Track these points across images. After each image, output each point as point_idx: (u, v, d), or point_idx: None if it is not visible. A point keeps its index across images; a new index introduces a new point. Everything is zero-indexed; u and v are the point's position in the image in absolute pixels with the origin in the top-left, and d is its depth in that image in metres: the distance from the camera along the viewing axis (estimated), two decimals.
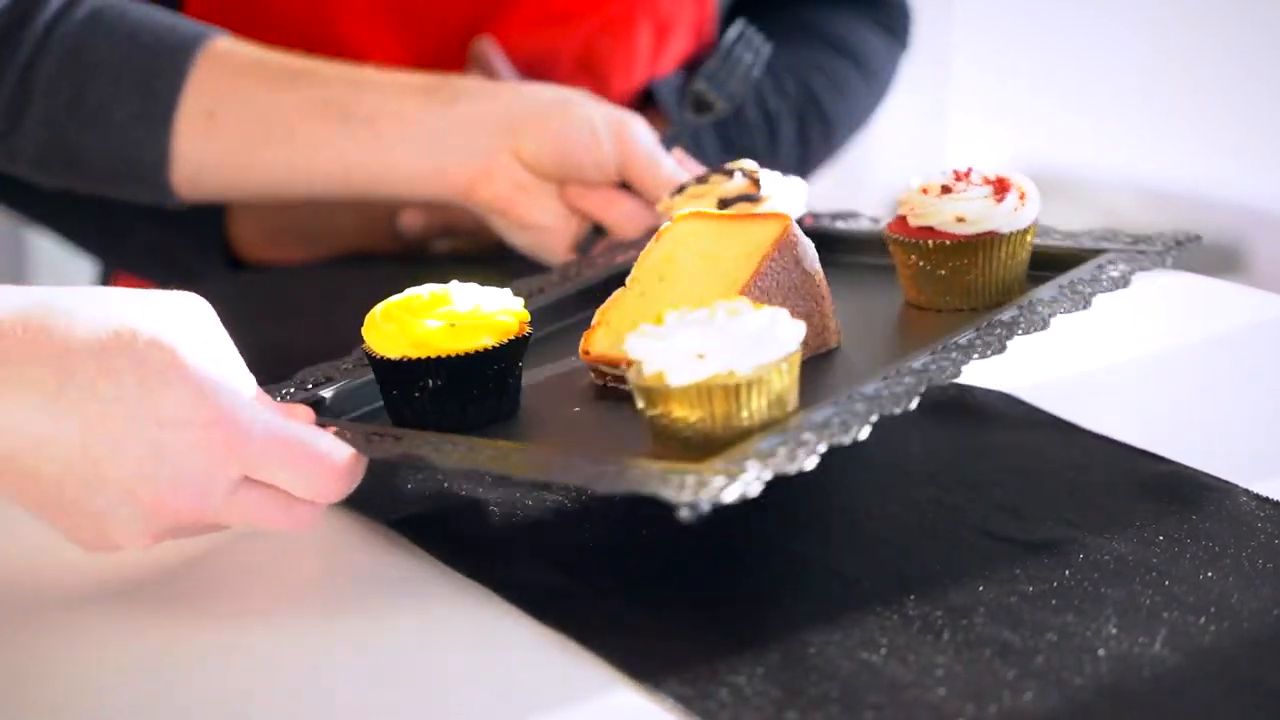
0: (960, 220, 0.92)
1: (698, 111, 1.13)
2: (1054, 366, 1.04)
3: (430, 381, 0.83)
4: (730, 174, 1.01)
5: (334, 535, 0.85)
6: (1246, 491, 0.87)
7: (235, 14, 1.30)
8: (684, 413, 0.76)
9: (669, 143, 1.12)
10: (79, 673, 0.75)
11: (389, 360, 0.84)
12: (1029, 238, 0.95)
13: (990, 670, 0.72)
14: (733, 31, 1.14)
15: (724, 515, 0.80)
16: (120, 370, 0.74)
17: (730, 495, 0.71)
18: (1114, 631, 0.75)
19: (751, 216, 0.92)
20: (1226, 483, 0.88)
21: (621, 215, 1.09)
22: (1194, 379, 1.06)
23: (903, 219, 0.95)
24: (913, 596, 0.78)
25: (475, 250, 1.30)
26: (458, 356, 0.83)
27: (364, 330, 0.85)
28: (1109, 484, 0.88)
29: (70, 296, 0.75)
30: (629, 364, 0.79)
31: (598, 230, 1.11)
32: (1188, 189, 3.15)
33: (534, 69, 1.34)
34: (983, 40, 3.46)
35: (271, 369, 0.87)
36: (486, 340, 0.84)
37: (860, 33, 1.46)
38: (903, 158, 3.50)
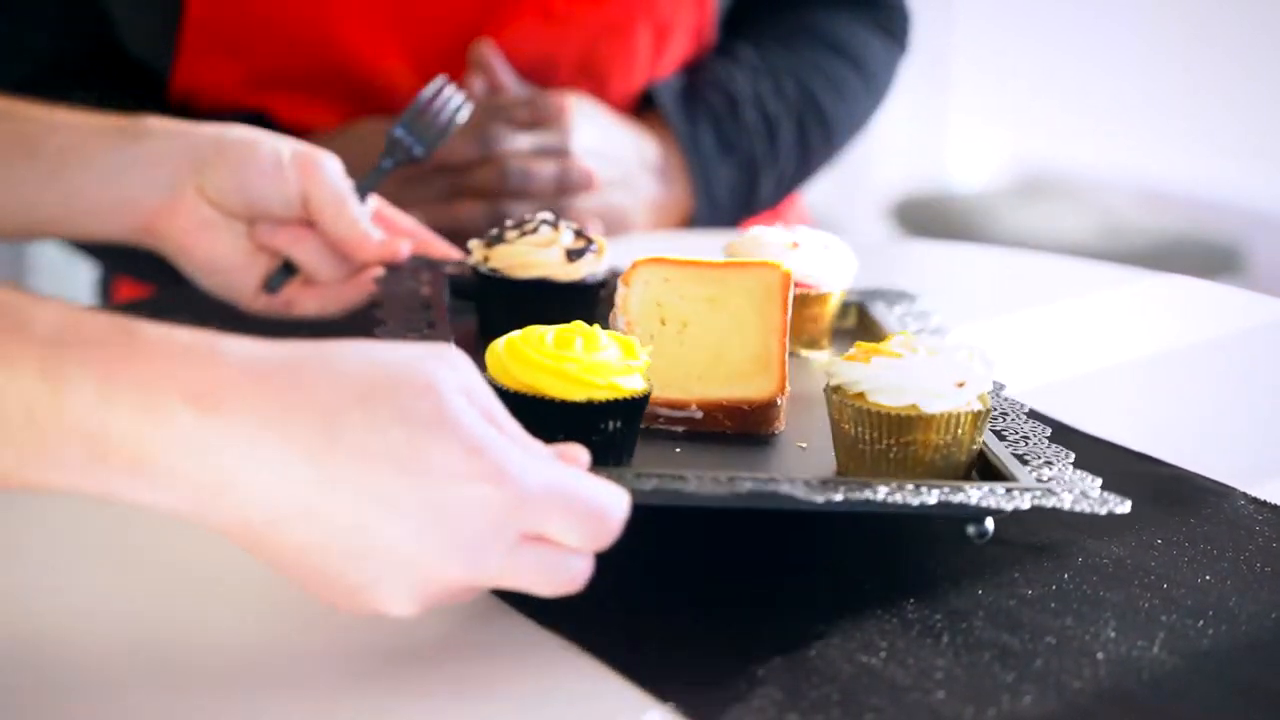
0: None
1: (393, 156, 1.12)
2: (1052, 369, 1.05)
3: (611, 424, 0.82)
4: (556, 224, 1.03)
5: None
6: (1244, 495, 0.88)
7: (237, 22, 1.30)
8: (935, 438, 0.82)
9: (363, 187, 1.10)
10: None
11: (568, 403, 0.81)
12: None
13: (989, 673, 0.73)
14: (430, 87, 1.12)
15: (722, 520, 0.81)
16: (386, 423, 0.68)
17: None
18: (1112, 635, 0.75)
19: (741, 264, 0.94)
20: (1225, 486, 0.89)
21: (310, 253, 1.07)
22: (1192, 382, 1.06)
23: None
24: (912, 600, 0.78)
25: None
26: (637, 398, 0.83)
27: (515, 372, 0.82)
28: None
29: (335, 348, 0.70)
30: (753, 404, 0.86)
31: (289, 268, 1.09)
32: (1186, 190, 3.16)
33: (534, 72, 1.34)
34: (982, 43, 3.46)
35: None
36: (646, 382, 0.84)
37: (860, 35, 1.46)
38: (902, 161, 3.50)
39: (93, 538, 0.84)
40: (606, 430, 0.82)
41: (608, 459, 0.82)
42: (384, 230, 1.12)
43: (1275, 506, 0.86)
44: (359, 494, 0.67)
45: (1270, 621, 0.76)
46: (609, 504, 0.71)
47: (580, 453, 0.75)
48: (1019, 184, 3.29)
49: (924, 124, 3.53)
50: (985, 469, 0.85)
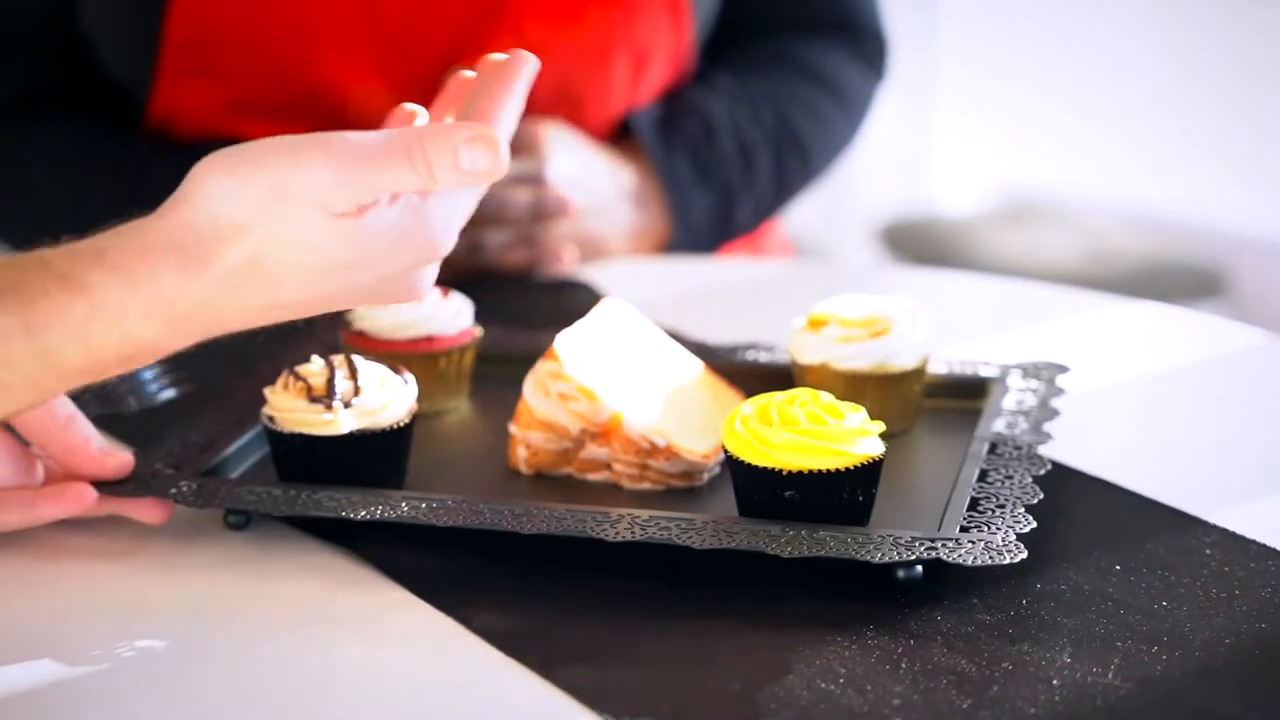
0: None
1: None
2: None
3: (855, 492, 0.84)
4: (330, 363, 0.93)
5: (298, 562, 0.86)
6: (1202, 521, 0.88)
7: (217, 47, 1.31)
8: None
9: None
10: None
11: (821, 473, 0.83)
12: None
13: (946, 699, 0.73)
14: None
15: (681, 546, 0.82)
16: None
17: None
18: (1068, 660, 0.76)
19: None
20: (1183, 513, 0.89)
21: None
22: (1155, 409, 1.07)
23: None
24: (873, 626, 0.79)
25: (454, 279, 1.31)
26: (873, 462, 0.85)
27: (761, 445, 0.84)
28: (1067, 513, 0.89)
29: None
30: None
31: None
32: (1171, 214, 3.17)
33: None
34: (968, 68, 3.48)
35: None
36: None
37: (837, 63, 1.47)
38: (889, 185, 3.51)
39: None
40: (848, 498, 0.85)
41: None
42: None
43: (1232, 533, 0.87)
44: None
45: (1224, 647, 0.77)
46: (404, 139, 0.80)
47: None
48: (1006, 208, 3.30)
49: (911, 148, 3.54)
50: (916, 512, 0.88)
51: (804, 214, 3.23)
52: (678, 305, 1.24)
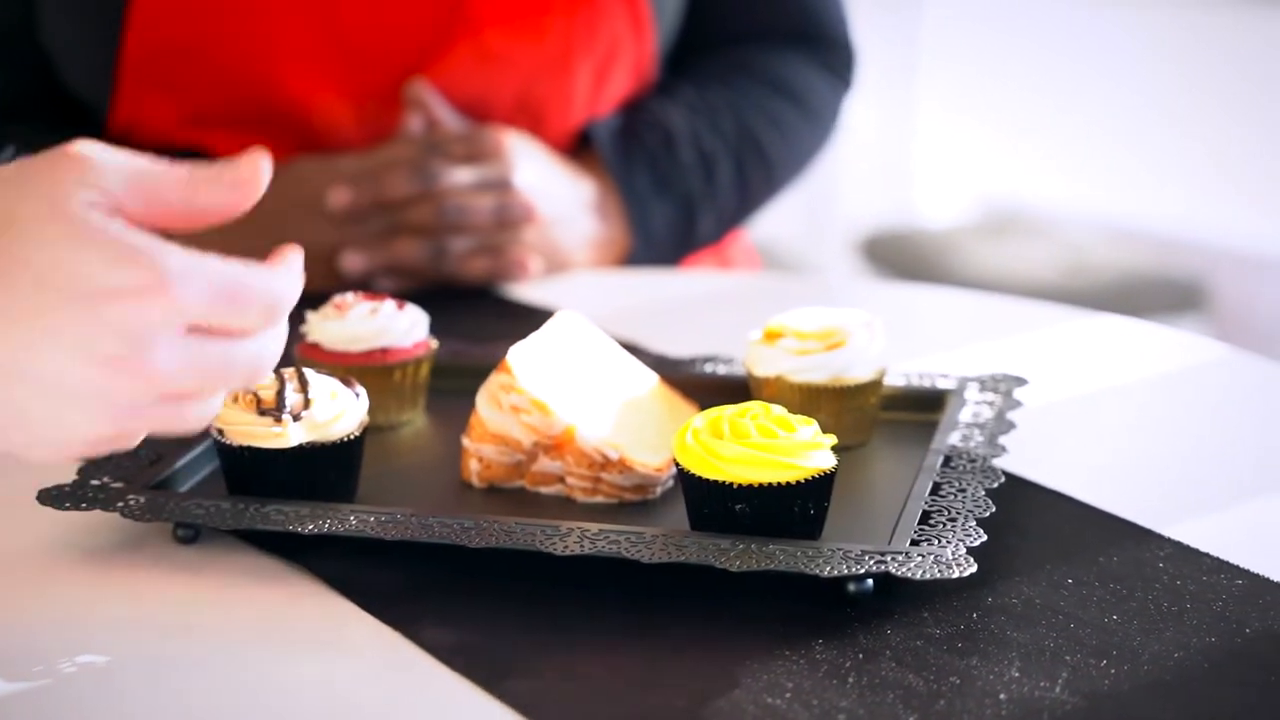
0: None
1: None
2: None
3: (806, 505, 0.84)
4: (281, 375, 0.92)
5: (247, 576, 0.85)
6: (1156, 534, 0.88)
7: (175, 59, 1.31)
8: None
9: None
10: None
11: (771, 486, 0.83)
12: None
13: (892, 714, 0.73)
14: None
15: (628, 562, 0.82)
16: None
17: None
18: (1016, 675, 0.76)
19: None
20: (1137, 526, 0.89)
21: None
22: (1113, 422, 1.07)
23: None
24: (822, 640, 0.78)
25: (418, 289, 1.31)
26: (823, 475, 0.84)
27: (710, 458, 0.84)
28: (1021, 526, 0.89)
29: None
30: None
31: None
32: (1150, 227, 3.17)
33: (472, 110, 1.35)
34: (948, 80, 3.48)
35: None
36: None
37: (801, 72, 1.47)
38: (870, 197, 3.51)
39: None
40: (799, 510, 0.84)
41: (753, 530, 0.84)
42: None
43: (1186, 546, 0.87)
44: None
45: (1173, 661, 0.76)
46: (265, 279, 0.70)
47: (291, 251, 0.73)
48: (986, 220, 3.30)
49: (892, 161, 3.54)
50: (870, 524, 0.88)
51: (785, 226, 3.23)
52: (641, 318, 1.24)
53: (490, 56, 1.34)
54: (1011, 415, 0.98)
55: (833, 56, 1.49)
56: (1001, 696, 0.74)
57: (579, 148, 1.40)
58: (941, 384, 1.02)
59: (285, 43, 1.31)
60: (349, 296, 1.03)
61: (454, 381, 1.05)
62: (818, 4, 1.48)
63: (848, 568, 0.80)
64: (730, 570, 0.80)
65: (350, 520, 0.84)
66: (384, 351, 1.00)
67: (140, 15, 1.29)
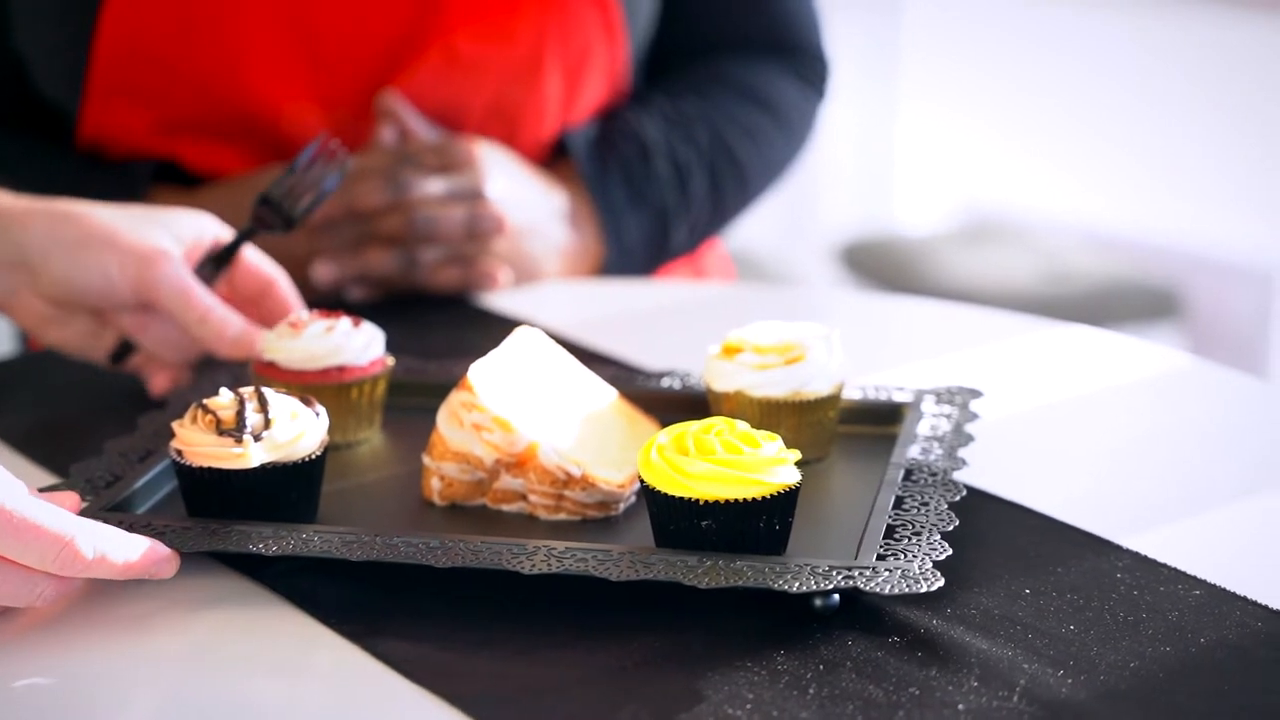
0: None
1: (260, 224, 1.10)
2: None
3: (771, 521, 0.84)
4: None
5: (206, 594, 0.85)
6: (1114, 545, 0.88)
7: (145, 67, 1.31)
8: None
9: (221, 257, 1.09)
10: None
11: (737, 502, 0.83)
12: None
13: None
14: (307, 152, 1.11)
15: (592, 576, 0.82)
16: None
17: None
18: (975, 684, 0.76)
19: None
20: (1095, 536, 0.89)
21: (156, 340, 1.09)
22: (1072, 433, 1.07)
23: None
24: (784, 651, 0.79)
25: (388, 299, 1.31)
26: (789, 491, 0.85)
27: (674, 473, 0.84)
28: (980, 537, 0.89)
29: None
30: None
31: (128, 345, 1.10)
32: (1129, 235, 3.18)
33: (444, 116, 1.35)
34: (928, 88, 3.49)
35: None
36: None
37: (775, 83, 1.47)
38: (850, 205, 3.52)
39: None
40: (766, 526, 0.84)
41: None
42: (244, 290, 1.10)
43: (1144, 557, 0.87)
44: None
45: (1129, 671, 0.77)
46: (65, 531, 0.80)
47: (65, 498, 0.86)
48: (966, 228, 3.31)
49: (872, 169, 3.55)
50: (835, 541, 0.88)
51: (763, 233, 3.24)
52: (613, 328, 1.24)
53: (461, 61, 1.34)
54: (970, 427, 0.98)
55: (807, 67, 1.49)
56: (960, 707, 0.74)
57: (554, 158, 1.40)
58: (898, 397, 1.03)
59: (256, 50, 1.31)
60: (304, 314, 1.03)
61: (410, 398, 1.05)
62: (792, 15, 1.48)
63: (816, 583, 0.80)
64: (699, 587, 0.81)
65: (315, 541, 0.84)
66: (340, 370, 1.01)
67: (111, 23, 1.30)
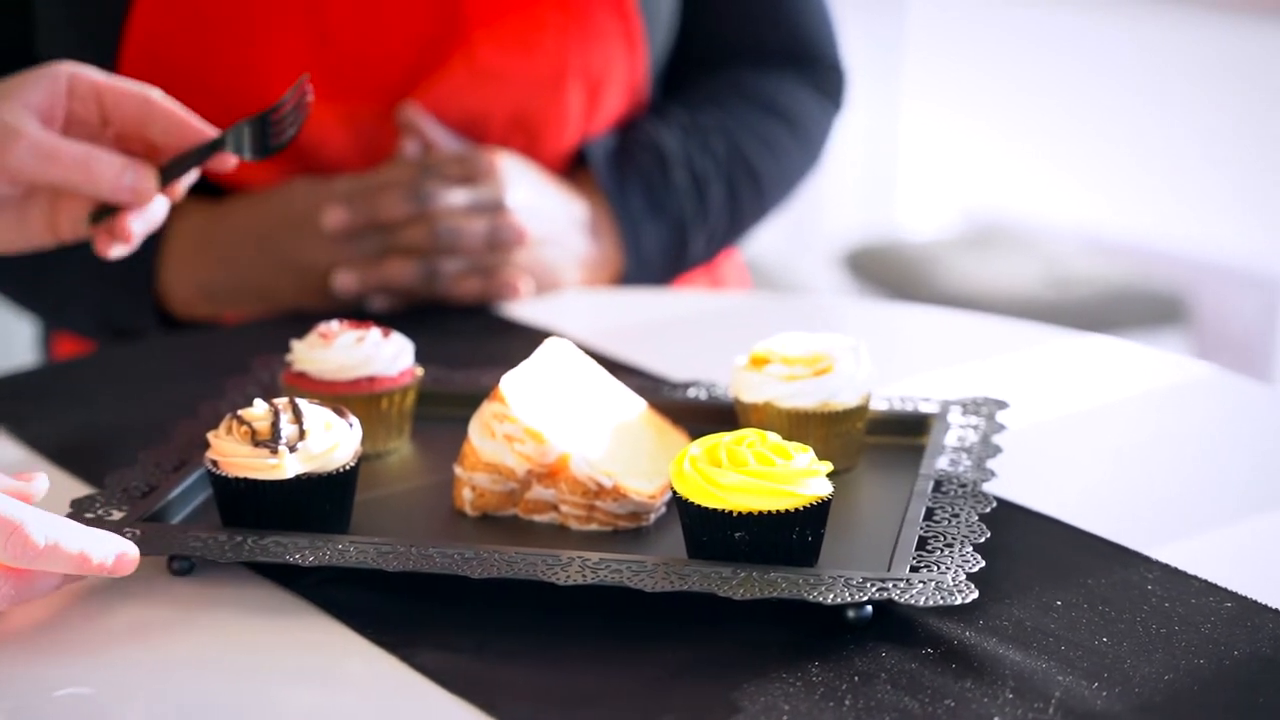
0: None
1: (227, 143, 1.05)
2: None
3: (804, 532, 0.85)
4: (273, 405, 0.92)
5: (241, 604, 0.86)
6: (1144, 557, 0.89)
7: (168, 79, 1.31)
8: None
9: (185, 163, 1.05)
10: None
11: (770, 514, 0.83)
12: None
13: None
14: (292, 92, 1.06)
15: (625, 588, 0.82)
16: None
17: None
18: (1010, 697, 0.76)
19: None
20: (1124, 548, 0.90)
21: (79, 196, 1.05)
22: (1098, 444, 1.07)
23: None
24: (818, 662, 0.79)
25: (410, 308, 1.32)
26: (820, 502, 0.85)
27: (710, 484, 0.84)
28: (1009, 549, 0.90)
29: None
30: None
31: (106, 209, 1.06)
32: (1132, 241, 3.19)
33: (466, 127, 1.36)
34: (931, 94, 3.50)
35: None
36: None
37: (792, 93, 1.48)
38: (853, 211, 3.53)
39: None
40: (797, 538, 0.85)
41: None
42: (123, 121, 1.05)
43: (1173, 569, 0.87)
44: None
45: (1163, 684, 0.77)
46: (14, 516, 0.80)
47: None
48: (970, 233, 3.32)
49: (875, 174, 3.55)
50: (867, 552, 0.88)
51: (768, 240, 3.24)
52: (633, 337, 1.25)
53: (484, 73, 1.35)
54: (996, 438, 0.99)
55: (824, 78, 1.50)
56: (995, 719, 0.75)
57: (574, 168, 1.41)
58: (924, 408, 1.03)
59: (278, 62, 1.31)
60: (334, 325, 1.03)
61: (438, 408, 1.05)
62: (810, 26, 1.49)
63: (850, 595, 0.81)
64: (734, 598, 0.81)
65: (350, 551, 0.85)
66: (370, 380, 1.01)
67: (134, 35, 1.30)
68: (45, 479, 0.88)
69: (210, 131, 1.05)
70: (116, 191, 1.03)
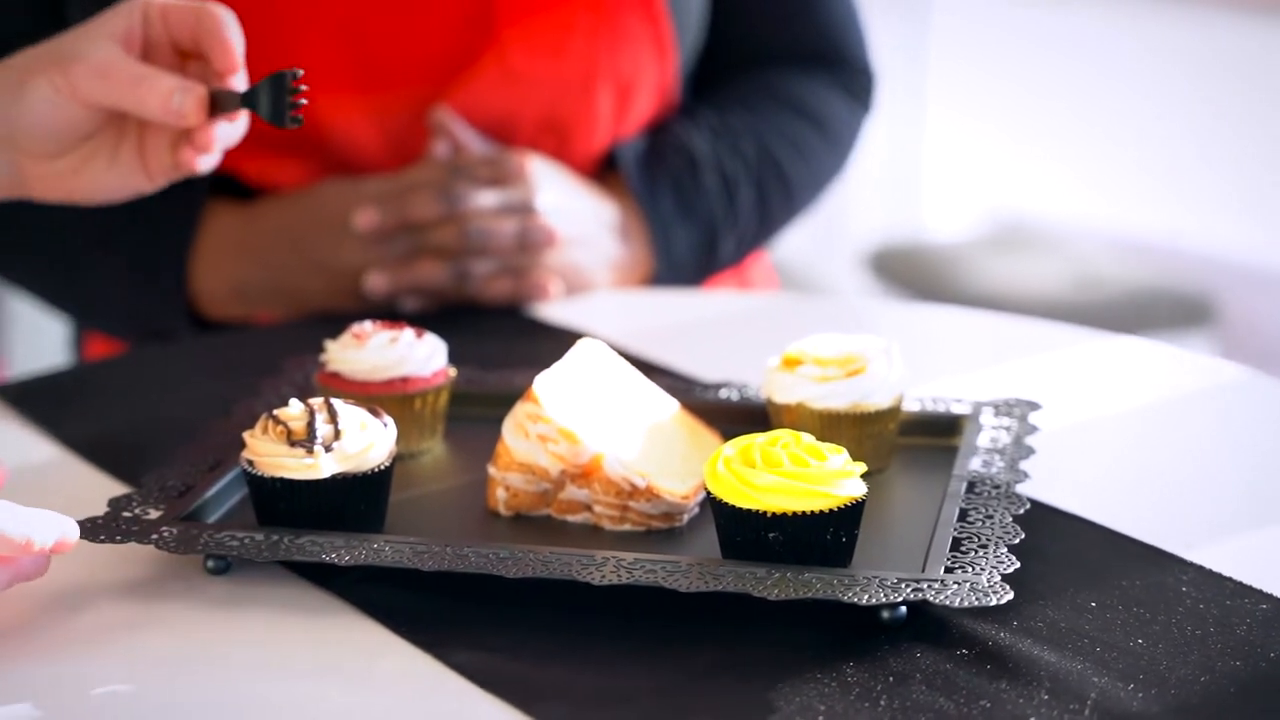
0: None
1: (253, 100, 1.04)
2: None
3: (838, 533, 0.85)
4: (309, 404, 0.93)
5: (277, 603, 0.86)
6: (1178, 558, 0.89)
7: None
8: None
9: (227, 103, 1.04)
10: None
11: (804, 515, 0.84)
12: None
13: None
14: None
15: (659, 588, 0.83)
16: None
17: None
18: (1045, 698, 0.76)
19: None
20: (1159, 550, 0.90)
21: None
22: (1131, 445, 1.07)
23: None
24: (853, 663, 0.79)
25: (442, 309, 1.32)
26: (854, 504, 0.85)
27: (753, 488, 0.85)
28: (1043, 550, 0.90)
29: None
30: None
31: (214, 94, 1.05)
32: (1160, 242, 3.18)
33: (496, 129, 1.36)
34: (957, 94, 3.49)
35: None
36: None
37: (821, 95, 1.48)
38: (878, 212, 3.52)
39: None
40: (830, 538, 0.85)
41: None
42: (178, 37, 1.05)
43: (1208, 570, 0.87)
44: None
45: (1199, 685, 0.77)
46: None
47: None
48: (995, 234, 3.31)
49: (900, 175, 3.55)
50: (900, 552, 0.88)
51: (793, 241, 3.24)
52: (663, 338, 1.25)
53: (514, 76, 1.35)
54: (1029, 440, 0.99)
55: (853, 80, 1.50)
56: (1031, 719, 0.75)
57: (604, 170, 1.41)
58: (956, 409, 1.03)
59: (309, 65, 1.30)
60: (368, 325, 1.03)
61: (471, 409, 1.06)
62: (839, 27, 1.49)
63: (885, 595, 0.81)
64: (769, 599, 0.81)
65: (386, 551, 0.85)
66: (404, 380, 1.01)
67: None
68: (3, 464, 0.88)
69: (241, 77, 1.05)
70: (165, 113, 1.02)
